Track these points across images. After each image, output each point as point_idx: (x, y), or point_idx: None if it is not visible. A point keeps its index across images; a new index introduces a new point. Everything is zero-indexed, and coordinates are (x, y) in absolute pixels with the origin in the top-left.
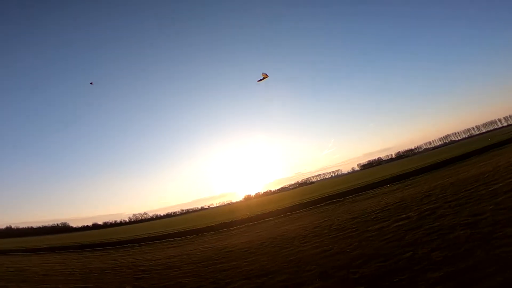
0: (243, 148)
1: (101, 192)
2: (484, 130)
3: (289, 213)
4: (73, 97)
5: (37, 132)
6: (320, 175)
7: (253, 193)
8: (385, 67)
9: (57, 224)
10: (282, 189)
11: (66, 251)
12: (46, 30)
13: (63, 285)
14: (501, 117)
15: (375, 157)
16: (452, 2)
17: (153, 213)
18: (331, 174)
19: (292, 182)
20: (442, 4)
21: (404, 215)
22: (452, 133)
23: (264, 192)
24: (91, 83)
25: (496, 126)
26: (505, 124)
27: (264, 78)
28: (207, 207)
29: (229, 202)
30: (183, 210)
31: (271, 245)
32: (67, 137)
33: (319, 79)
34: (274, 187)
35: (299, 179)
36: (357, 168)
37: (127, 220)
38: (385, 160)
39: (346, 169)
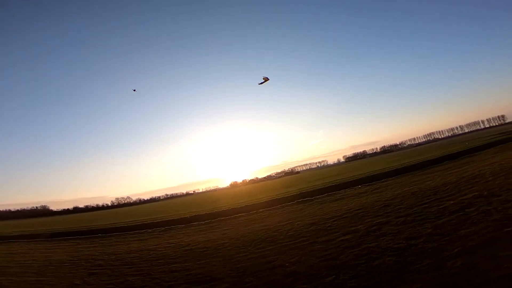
0: (232, 134)
1: (85, 173)
2: (467, 130)
3: (261, 210)
4: (56, 77)
5: (16, 110)
6: (306, 164)
7: (240, 180)
8: (378, 63)
9: (37, 207)
10: (268, 177)
11: (35, 240)
12: None
13: (18, 277)
14: (484, 118)
15: (361, 149)
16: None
17: (137, 197)
18: (317, 164)
19: (279, 171)
20: (430, 3)
21: (354, 228)
22: (436, 131)
23: (250, 180)
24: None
25: (478, 127)
26: (487, 125)
27: (265, 81)
28: (192, 192)
29: (215, 188)
30: (167, 195)
31: (230, 247)
32: (49, 116)
33: (311, 70)
34: (262, 175)
35: (287, 167)
36: (342, 160)
37: (110, 204)
38: (370, 153)
39: (332, 160)
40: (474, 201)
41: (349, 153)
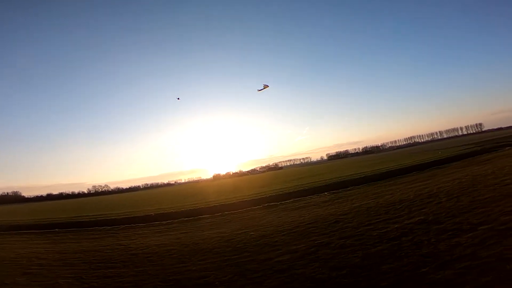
0: (220, 125)
1: (64, 158)
2: (445, 136)
3: (227, 212)
4: (38, 56)
5: None
6: (291, 160)
7: (224, 172)
8: (367, 65)
9: (7, 193)
10: (252, 171)
11: None
12: None
13: None
14: (463, 125)
15: (345, 148)
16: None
17: (116, 185)
18: (301, 160)
19: (264, 165)
20: (420, 7)
21: (295, 247)
22: (417, 135)
23: (234, 173)
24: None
25: (457, 134)
26: (465, 132)
27: (264, 88)
28: (173, 182)
29: (198, 179)
30: (147, 185)
31: (175, 255)
32: (25, 94)
33: (301, 66)
34: (247, 168)
35: (272, 162)
36: (325, 158)
37: (86, 192)
38: (352, 153)
39: (315, 157)
40: (416, 228)
41: (333, 151)
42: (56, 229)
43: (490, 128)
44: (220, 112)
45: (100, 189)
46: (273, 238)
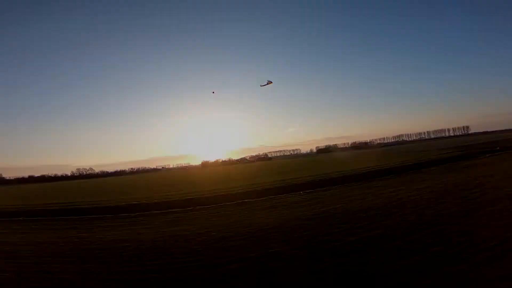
0: (212, 111)
1: (49, 138)
2: (433, 136)
3: (198, 207)
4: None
5: None
6: (281, 151)
7: (213, 159)
8: (361, 62)
9: None
10: (242, 160)
11: None
12: None
13: None
14: (450, 127)
15: (334, 142)
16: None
17: (102, 168)
18: (291, 151)
19: (254, 154)
20: (417, 7)
21: (245, 255)
22: (405, 134)
23: (223, 161)
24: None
25: (444, 135)
26: (452, 134)
27: (268, 84)
28: (161, 167)
29: (186, 165)
30: (133, 169)
31: (128, 253)
32: (6, 71)
33: (296, 59)
34: (237, 156)
35: (263, 151)
36: (314, 151)
37: (69, 175)
38: (340, 148)
39: (305, 149)
40: (370, 243)
41: (323, 144)
42: (21, 218)
43: (477, 131)
44: (213, 99)
45: (85, 172)
46: (231, 242)
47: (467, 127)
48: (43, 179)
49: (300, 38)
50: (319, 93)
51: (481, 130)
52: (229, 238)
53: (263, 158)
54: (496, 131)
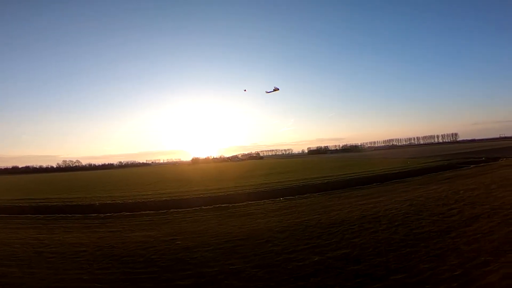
0: (206, 108)
1: (38, 129)
2: (422, 142)
3: (173, 209)
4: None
5: None
6: (273, 150)
7: (204, 156)
8: (355, 66)
9: None
10: (233, 158)
11: None
12: None
13: None
14: (439, 133)
15: (326, 144)
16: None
17: (91, 161)
18: (283, 151)
19: (246, 152)
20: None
21: (206, 269)
22: (396, 139)
23: (214, 158)
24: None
25: (432, 141)
26: (441, 140)
27: (274, 91)
28: (151, 162)
29: (177, 161)
30: (121, 163)
31: (82, 258)
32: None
33: (291, 59)
34: (229, 153)
35: (255, 150)
36: (306, 151)
37: (55, 166)
38: (331, 150)
39: (297, 149)
40: (332, 265)
41: (314, 145)
42: None
43: (465, 138)
44: (208, 95)
45: (72, 164)
46: (195, 253)
47: (456, 134)
48: (27, 170)
49: (297, 39)
50: (314, 94)
51: (469, 138)
52: (193, 248)
53: (255, 157)
54: (483, 139)
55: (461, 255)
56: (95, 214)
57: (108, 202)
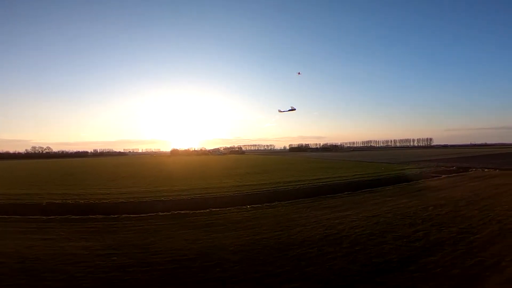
0: (190, 99)
1: (9, 111)
2: (398, 145)
3: (124, 215)
4: None
5: None
6: (256, 145)
7: (185, 147)
8: (340, 66)
9: None
10: (214, 151)
11: None
12: None
13: None
14: (415, 137)
15: (308, 142)
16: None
17: (63, 147)
18: (265, 147)
19: (229, 146)
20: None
21: None
22: (374, 140)
23: (194, 150)
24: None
25: (408, 144)
26: (416, 144)
27: (291, 110)
28: (129, 152)
29: (156, 151)
30: (96, 151)
31: None
32: None
33: (275, 54)
34: (211, 146)
35: (238, 144)
36: (287, 148)
37: (23, 153)
38: (312, 148)
39: (279, 145)
40: None
41: (296, 142)
42: None
43: (439, 143)
44: (194, 87)
45: (42, 151)
46: (127, 274)
47: (431, 139)
48: None
49: (283, 35)
50: (298, 92)
51: (442, 143)
52: (128, 267)
53: (237, 151)
54: (455, 145)
55: None
56: (38, 217)
57: (57, 201)
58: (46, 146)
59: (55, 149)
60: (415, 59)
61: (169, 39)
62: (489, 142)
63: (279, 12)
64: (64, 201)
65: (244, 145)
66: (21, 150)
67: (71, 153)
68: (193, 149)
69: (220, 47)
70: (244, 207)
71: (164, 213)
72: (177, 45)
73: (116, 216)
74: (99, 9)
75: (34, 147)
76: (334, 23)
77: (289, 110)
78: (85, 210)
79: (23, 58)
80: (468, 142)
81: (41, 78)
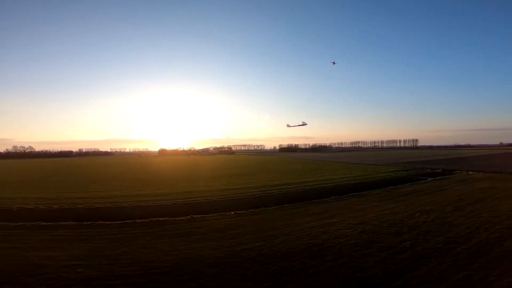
0: (179, 98)
1: None
2: (385, 146)
3: (100, 222)
4: None
5: None
6: (246, 145)
7: (174, 147)
8: (332, 70)
9: None
10: (204, 151)
11: None
12: None
13: None
14: (401, 138)
15: (297, 142)
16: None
17: (46, 147)
18: (255, 147)
19: (219, 146)
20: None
21: None
22: (362, 141)
23: (183, 150)
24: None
25: (395, 145)
26: (402, 145)
27: (301, 125)
28: (115, 151)
29: (144, 150)
30: (81, 150)
31: None
32: None
33: (266, 53)
34: (201, 146)
35: (228, 143)
36: (277, 148)
37: (3, 152)
38: (301, 148)
39: (269, 145)
40: None
41: (286, 142)
42: None
43: (424, 144)
44: (183, 86)
45: (23, 150)
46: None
47: (416, 140)
48: None
49: (273, 36)
50: (289, 92)
51: (428, 144)
52: (93, 280)
53: (226, 152)
54: (441, 146)
55: None
56: (4, 223)
57: (29, 206)
58: (28, 145)
59: (38, 148)
60: (403, 62)
61: (158, 38)
62: (472, 143)
63: (270, 10)
64: (36, 206)
65: (234, 145)
66: (1, 149)
67: (55, 152)
68: (181, 149)
69: (211, 46)
70: (228, 213)
71: (142, 220)
72: (166, 44)
73: (89, 223)
74: (87, 7)
75: (15, 147)
76: (321, 24)
77: (300, 125)
78: (57, 216)
79: (4, 54)
80: (453, 143)
81: (26, 75)
